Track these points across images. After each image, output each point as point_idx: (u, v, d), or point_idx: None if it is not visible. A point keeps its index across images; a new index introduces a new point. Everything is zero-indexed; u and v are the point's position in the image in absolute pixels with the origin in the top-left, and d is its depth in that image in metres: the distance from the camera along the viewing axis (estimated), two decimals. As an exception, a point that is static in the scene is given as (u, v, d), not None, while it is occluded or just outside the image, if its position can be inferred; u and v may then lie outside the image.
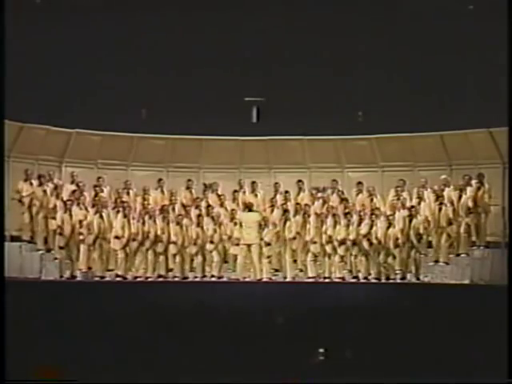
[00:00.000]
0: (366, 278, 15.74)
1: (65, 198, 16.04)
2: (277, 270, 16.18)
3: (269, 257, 15.88)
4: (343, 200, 16.48)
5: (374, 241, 15.67)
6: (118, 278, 15.63)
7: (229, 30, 17.69)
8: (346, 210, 16.13)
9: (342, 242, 15.73)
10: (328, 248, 15.79)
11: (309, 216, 15.98)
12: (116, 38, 17.43)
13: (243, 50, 17.75)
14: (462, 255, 15.92)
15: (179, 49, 17.76)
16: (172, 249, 15.81)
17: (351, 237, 15.74)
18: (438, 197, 16.08)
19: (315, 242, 15.82)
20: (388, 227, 15.68)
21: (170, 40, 17.69)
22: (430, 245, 16.20)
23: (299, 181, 17.11)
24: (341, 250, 15.75)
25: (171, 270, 15.91)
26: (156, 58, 17.74)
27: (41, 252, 16.08)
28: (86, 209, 15.90)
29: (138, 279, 15.71)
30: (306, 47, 17.82)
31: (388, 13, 17.48)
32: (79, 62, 17.35)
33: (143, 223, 15.77)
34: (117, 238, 15.64)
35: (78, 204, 15.90)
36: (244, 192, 16.84)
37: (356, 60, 17.68)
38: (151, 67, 17.68)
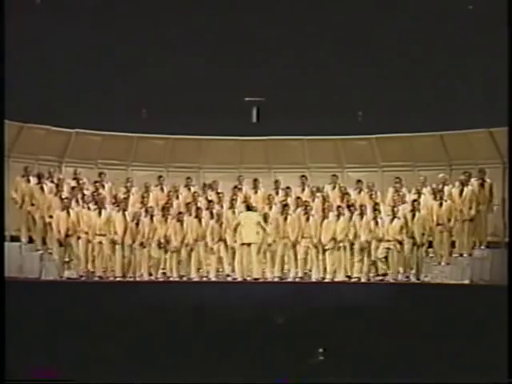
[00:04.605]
0: (364, 277, 15.77)
1: (66, 196, 16.05)
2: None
3: (269, 249, 15.89)
4: (345, 194, 16.50)
5: (380, 235, 15.66)
6: (118, 278, 15.66)
7: (229, 30, 17.70)
8: (348, 203, 16.16)
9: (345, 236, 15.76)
10: (330, 243, 15.80)
11: (311, 209, 15.97)
12: (116, 37, 17.45)
13: (243, 50, 17.76)
14: (462, 255, 15.92)
15: (179, 49, 17.78)
16: (172, 245, 15.83)
17: (353, 230, 15.74)
18: (437, 194, 16.05)
19: (314, 239, 15.83)
20: (391, 221, 15.69)
21: (170, 40, 17.71)
22: (430, 245, 16.19)
23: (302, 176, 17.17)
24: (341, 235, 15.73)
25: (169, 269, 15.95)
26: (156, 57, 17.75)
27: (40, 252, 16.08)
28: (88, 207, 15.89)
29: (138, 279, 15.74)
30: (306, 47, 17.83)
31: (388, 13, 17.49)
32: (79, 62, 17.36)
33: (137, 223, 15.79)
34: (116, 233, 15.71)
35: (77, 201, 15.91)
36: (240, 189, 16.87)
37: (356, 60, 17.69)
38: (151, 67, 17.69)
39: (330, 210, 15.98)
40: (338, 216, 15.88)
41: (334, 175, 17.29)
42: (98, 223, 15.73)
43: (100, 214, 15.79)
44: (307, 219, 15.88)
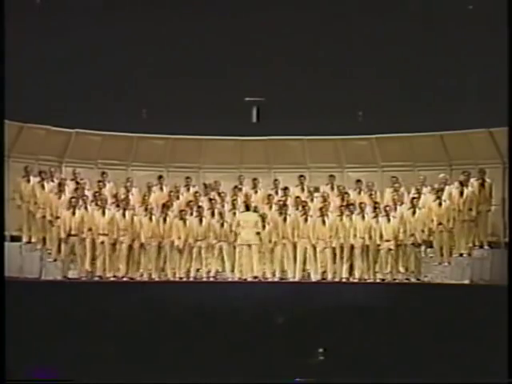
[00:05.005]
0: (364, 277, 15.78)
1: (68, 196, 16.06)
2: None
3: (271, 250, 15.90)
4: (344, 194, 16.51)
5: (377, 237, 15.68)
6: (113, 278, 15.69)
7: (229, 30, 17.70)
8: (347, 203, 16.17)
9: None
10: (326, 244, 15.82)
11: (309, 209, 15.96)
12: (116, 38, 17.44)
13: (243, 50, 17.75)
14: (462, 255, 15.91)
15: (179, 49, 17.78)
16: (176, 244, 15.84)
17: (353, 230, 15.74)
18: (438, 194, 16.04)
19: (313, 239, 15.84)
20: (390, 221, 15.70)
21: (170, 40, 17.70)
22: (430, 245, 16.19)
23: (301, 176, 17.17)
24: (340, 235, 15.74)
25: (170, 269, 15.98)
26: (156, 58, 17.75)
27: (40, 252, 16.07)
28: (86, 207, 15.89)
29: (138, 279, 15.76)
30: (306, 47, 17.82)
31: (388, 13, 17.48)
32: (79, 62, 17.35)
33: (131, 220, 15.82)
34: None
35: (78, 202, 15.91)
36: (241, 189, 16.88)
37: (356, 60, 17.69)
38: (151, 67, 17.68)
39: (328, 210, 16.00)
40: (339, 216, 15.89)
41: (332, 175, 17.30)
42: (102, 223, 15.75)
43: (104, 213, 15.82)
44: (305, 219, 15.88)
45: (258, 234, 15.89)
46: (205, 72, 17.71)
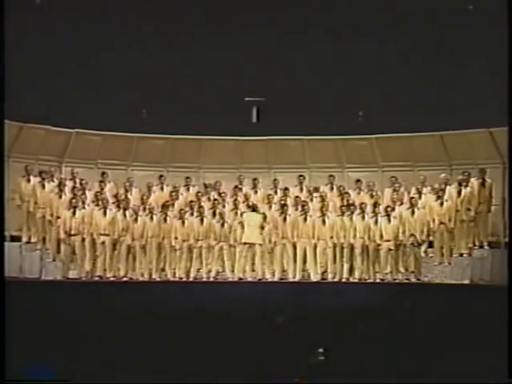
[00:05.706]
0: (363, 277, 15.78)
1: (68, 196, 16.06)
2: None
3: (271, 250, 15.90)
4: (344, 194, 16.51)
5: (377, 237, 15.69)
6: (113, 278, 15.68)
7: (229, 30, 17.69)
8: (347, 203, 16.17)
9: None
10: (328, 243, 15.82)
11: (309, 209, 15.97)
12: (116, 38, 17.44)
13: (243, 50, 17.75)
14: (462, 255, 15.91)
15: (179, 49, 17.77)
16: (175, 244, 15.83)
17: (353, 231, 15.74)
18: (438, 194, 16.04)
19: (313, 239, 15.84)
20: (390, 221, 15.71)
21: (170, 40, 17.70)
22: (430, 245, 16.19)
23: (300, 176, 17.18)
24: (340, 235, 15.74)
25: (174, 268, 15.98)
26: (156, 57, 17.74)
27: (40, 252, 16.07)
28: (84, 207, 15.90)
29: (141, 279, 15.77)
30: (306, 47, 17.82)
31: (388, 13, 17.48)
32: (79, 62, 17.34)
33: (135, 219, 15.82)
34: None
35: (78, 202, 15.91)
36: (241, 189, 16.88)
37: (356, 60, 17.69)
38: (151, 67, 17.68)
39: (328, 210, 16.00)
40: (339, 216, 15.88)
41: (331, 175, 17.30)
42: (103, 223, 15.75)
43: (105, 214, 15.82)
44: (305, 219, 15.88)
45: (262, 233, 15.86)
46: (205, 72, 17.70)
